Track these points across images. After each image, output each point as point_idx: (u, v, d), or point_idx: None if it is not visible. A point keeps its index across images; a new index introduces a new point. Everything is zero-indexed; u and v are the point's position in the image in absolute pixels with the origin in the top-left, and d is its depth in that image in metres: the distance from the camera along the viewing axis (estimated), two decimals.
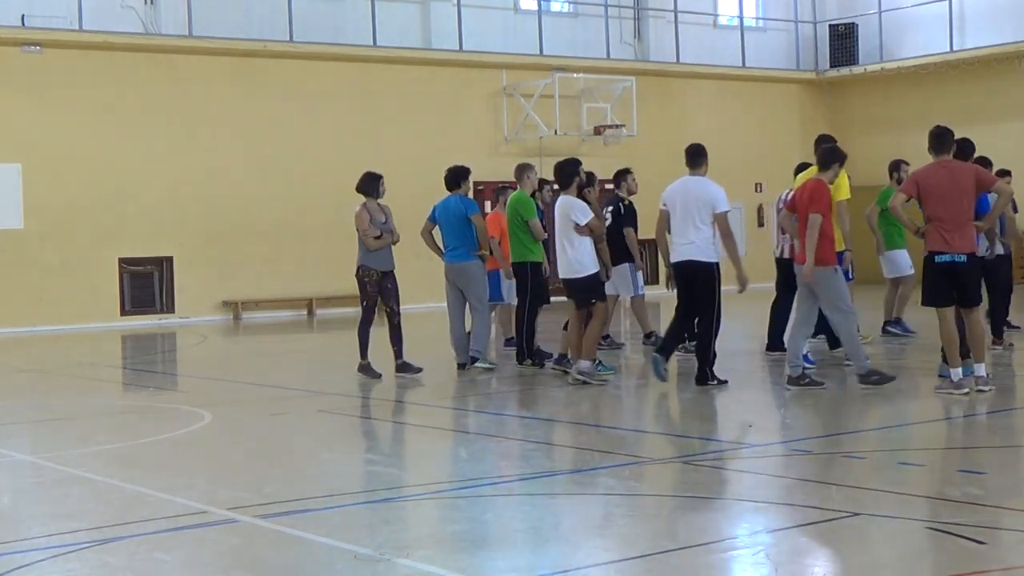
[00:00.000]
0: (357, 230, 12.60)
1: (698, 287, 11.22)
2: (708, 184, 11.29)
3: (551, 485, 7.49)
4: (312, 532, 6.27)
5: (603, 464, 8.07)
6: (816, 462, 7.97)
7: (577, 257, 11.45)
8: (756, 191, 29.27)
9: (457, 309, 13.31)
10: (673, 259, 11.38)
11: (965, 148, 11.14)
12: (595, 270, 11.59)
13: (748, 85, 29.62)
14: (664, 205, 11.49)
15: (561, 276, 11.80)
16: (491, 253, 13.54)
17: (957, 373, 10.08)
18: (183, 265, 22.91)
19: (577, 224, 11.42)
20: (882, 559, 5.59)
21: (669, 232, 11.59)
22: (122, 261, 22.43)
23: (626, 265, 14.18)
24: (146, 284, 22.81)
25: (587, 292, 11.52)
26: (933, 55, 28.10)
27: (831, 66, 30.16)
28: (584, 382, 11.40)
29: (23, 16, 21.75)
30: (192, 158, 22.87)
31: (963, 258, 9.94)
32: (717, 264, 11.26)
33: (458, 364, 13.13)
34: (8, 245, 21.43)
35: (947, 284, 10.05)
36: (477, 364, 12.95)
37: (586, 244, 11.51)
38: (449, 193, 13.31)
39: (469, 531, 6.35)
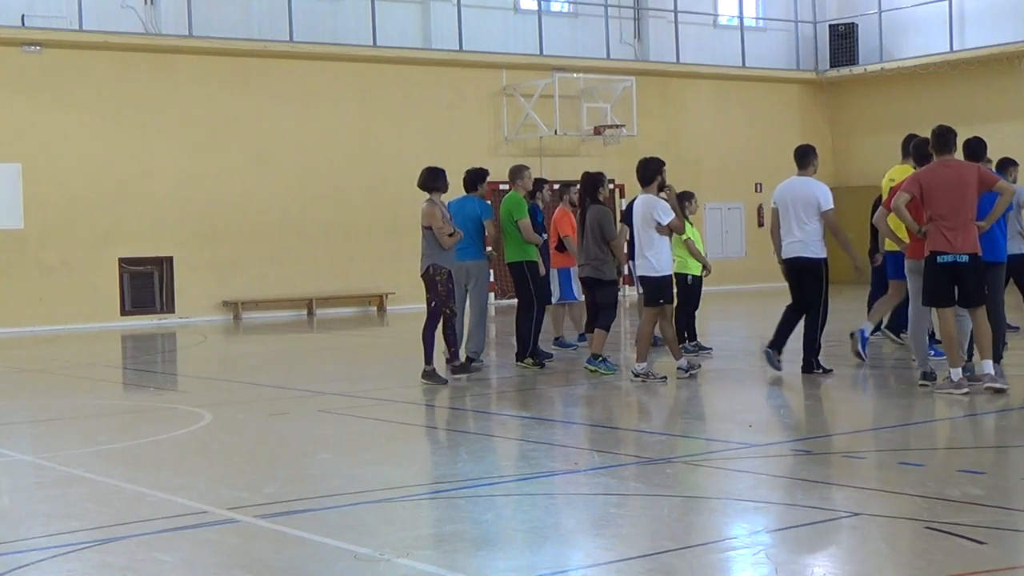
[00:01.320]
0: (426, 227, 12.13)
1: (806, 282, 11.69)
2: (813, 184, 11.87)
3: (551, 485, 7.49)
4: (312, 532, 6.27)
5: (603, 464, 8.07)
6: (816, 462, 7.97)
7: (656, 256, 11.67)
8: (756, 191, 29.28)
9: (458, 305, 13.23)
10: (783, 256, 11.79)
11: (977, 147, 11.09)
12: (670, 272, 11.86)
13: (748, 85, 29.62)
14: (774, 204, 11.94)
15: (638, 274, 12.00)
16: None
17: (957, 373, 10.08)
18: (183, 265, 22.91)
19: (659, 223, 11.59)
20: (882, 559, 5.59)
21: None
22: (122, 261, 22.44)
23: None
24: (146, 284, 22.81)
25: (658, 292, 11.73)
26: (933, 55, 28.10)
27: (831, 66, 30.16)
28: (642, 380, 11.61)
29: (23, 16, 21.75)
30: (192, 158, 22.88)
31: (965, 258, 9.94)
32: (825, 260, 11.77)
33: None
34: (8, 245, 21.44)
35: (948, 284, 10.06)
36: (476, 364, 12.97)
37: (665, 244, 11.74)
38: (466, 194, 13.27)
39: (469, 531, 6.35)
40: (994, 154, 13.11)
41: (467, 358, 12.84)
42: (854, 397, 11.01)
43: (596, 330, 12.45)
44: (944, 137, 10.18)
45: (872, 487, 7.04)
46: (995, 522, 6.09)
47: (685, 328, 14.05)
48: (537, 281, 13.19)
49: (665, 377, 11.71)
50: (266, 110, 23.58)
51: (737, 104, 29.36)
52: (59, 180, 21.76)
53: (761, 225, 29.63)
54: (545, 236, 13.73)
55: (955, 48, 27.76)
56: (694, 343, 14.08)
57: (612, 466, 8.01)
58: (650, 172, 11.83)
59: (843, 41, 29.93)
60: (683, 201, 13.97)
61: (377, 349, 17.98)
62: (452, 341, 12.42)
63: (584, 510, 6.85)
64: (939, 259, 10.02)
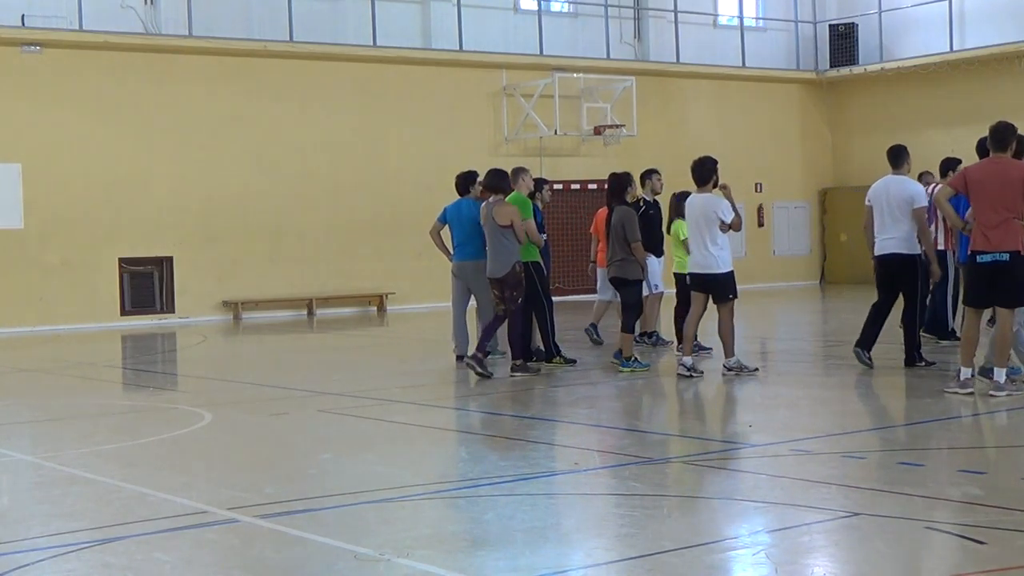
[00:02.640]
0: (505, 226, 12.35)
1: (901, 278, 11.82)
2: (907, 183, 11.98)
3: (551, 485, 7.49)
4: (312, 532, 6.28)
5: (603, 464, 8.07)
6: (816, 462, 7.97)
7: (718, 254, 11.90)
8: (756, 191, 29.28)
9: (461, 305, 13.69)
10: (876, 252, 11.92)
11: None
12: (731, 267, 12.04)
13: (748, 85, 29.62)
14: (868, 202, 12.06)
15: (694, 271, 12.13)
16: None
17: (966, 372, 10.05)
18: (183, 265, 22.91)
19: (723, 221, 11.79)
20: (882, 559, 5.59)
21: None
22: (122, 261, 22.44)
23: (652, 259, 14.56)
24: (146, 284, 22.81)
25: (726, 288, 11.95)
26: (933, 55, 28.08)
27: (831, 66, 30.15)
28: (736, 374, 11.85)
29: (23, 16, 21.75)
30: (192, 158, 22.88)
31: (1005, 256, 9.72)
32: (919, 256, 11.84)
33: (456, 356, 13.51)
34: (8, 245, 21.43)
35: (984, 284, 9.90)
36: (479, 359, 13.05)
37: (727, 241, 11.97)
38: (460, 196, 13.64)
39: (469, 531, 6.35)
40: None
41: (474, 355, 12.85)
42: (854, 397, 11.01)
43: (621, 334, 12.70)
44: (999, 134, 9.93)
45: (872, 487, 7.04)
46: (995, 522, 6.09)
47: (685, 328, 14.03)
48: (543, 281, 13.24)
49: (757, 368, 12.06)
50: (266, 110, 23.58)
51: (737, 104, 29.35)
52: (59, 180, 21.76)
53: (761, 225, 29.65)
54: (544, 236, 13.74)
55: (955, 48, 27.74)
56: (694, 343, 14.05)
57: (612, 466, 8.01)
58: (706, 172, 12.07)
59: (843, 41, 29.92)
60: (683, 201, 14.00)
61: (377, 349, 17.98)
62: (511, 339, 12.66)
63: (584, 510, 6.85)
64: (979, 259, 9.86)
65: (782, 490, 7.19)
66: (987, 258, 9.81)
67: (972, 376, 10.05)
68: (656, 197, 14.81)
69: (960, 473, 7.39)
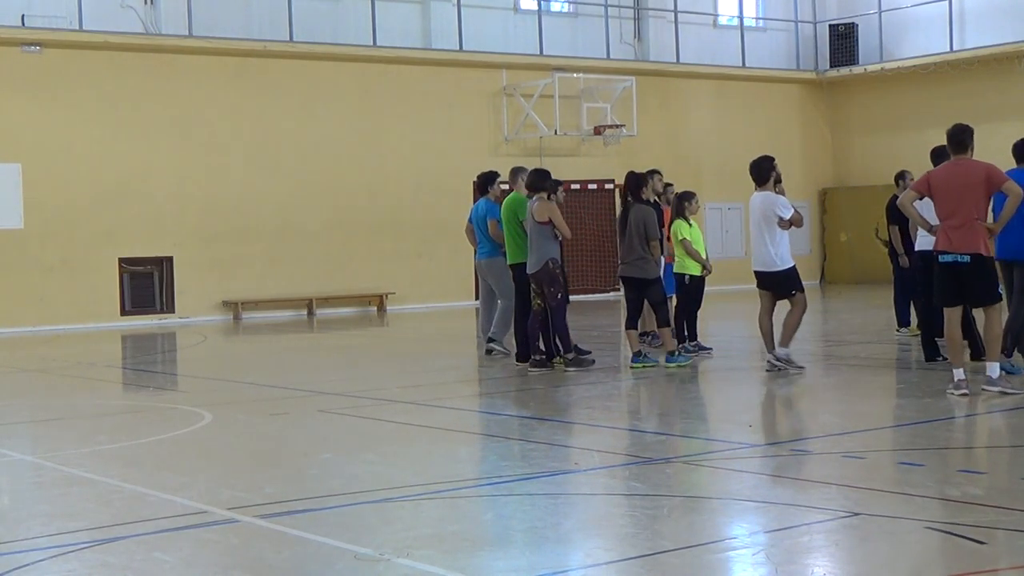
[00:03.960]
0: (544, 223, 12.60)
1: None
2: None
3: (551, 485, 7.49)
4: (312, 532, 6.27)
5: (603, 464, 8.07)
6: (816, 462, 7.97)
7: (778, 252, 11.95)
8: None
9: (488, 302, 14.33)
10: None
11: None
12: (793, 263, 12.09)
13: (748, 85, 29.61)
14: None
15: (757, 269, 12.18)
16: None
17: (958, 373, 10.06)
18: (183, 265, 22.91)
19: (781, 218, 11.84)
20: (882, 559, 5.59)
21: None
22: (122, 261, 22.44)
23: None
24: (146, 284, 22.81)
25: (788, 284, 12.02)
26: (933, 55, 28.09)
27: (831, 66, 30.15)
28: (779, 368, 11.84)
29: (23, 16, 21.75)
30: (192, 158, 22.88)
31: (966, 258, 9.89)
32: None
33: (487, 350, 14.20)
34: (8, 245, 21.43)
35: (953, 284, 10.02)
36: (492, 345, 13.83)
37: (786, 238, 12.01)
38: (481, 196, 14.19)
39: (469, 531, 6.35)
40: (995, 155, 13.12)
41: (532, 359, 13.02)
42: (854, 397, 11.01)
43: (661, 329, 12.89)
44: (956, 136, 10.06)
45: (872, 487, 7.04)
46: (995, 522, 6.09)
47: (685, 328, 14.03)
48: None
49: (803, 367, 12.05)
50: (266, 110, 23.58)
51: (737, 104, 29.35)
52: (59, 180, 21.76)
53: None
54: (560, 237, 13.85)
55: (955, 48, 27.75)
56: (694, 343, 14.07)
57: (612, 466, 8.01)
58: (764, 171, 12.16)
59: (843, 41, 29.92)
60: (683, 201, 14.06)
61: (377, 349, 17.98)
62: (536, 336, 12.91)
63: (584, 510, 6.85)
64: (941, 259, 10.05)
65: (782, 490, 7.20)
66: (948, 258, 9.97)
67: (965, 377, 10.05)
68: (656, 198, 14.81)
69: (960, 473, 7.39)
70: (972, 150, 10.12)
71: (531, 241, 12.76)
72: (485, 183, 14.30)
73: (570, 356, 12.70)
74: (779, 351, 11.96)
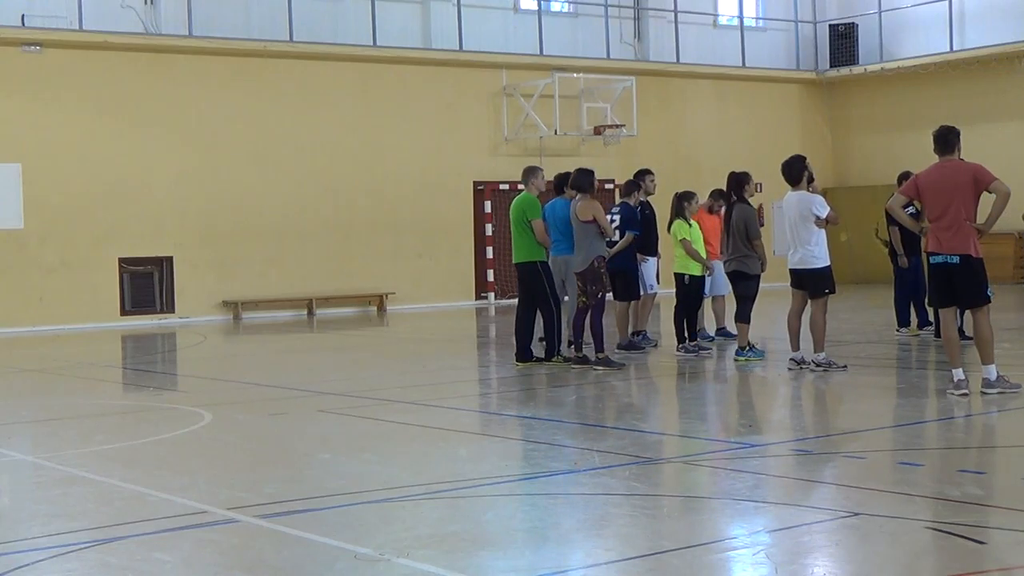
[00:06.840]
0: (588, 222, 12.68)
1: None
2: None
3: (551, 485, 7.49)
4: (312, 532, 6.28)
5: (603, 464, 8.07)
6: (816, 462, 7.98)
7: (813, 250, 12.00)
8: (756, 191, 29.22)
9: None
10: None
11: None
12: (828, 262, 12.14)
13: (748, 85, 29.60)
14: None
15: (793, 267, 12.21)
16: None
17: (958, 374, 10.06)
18: (183, 265, 22.90)
19: (817, 217, 11.88)
20: (882, 559, 5.59)
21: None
22: (122, 261, 22.42)
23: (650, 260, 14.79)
24: (146, 284, 22.79)
25: (822, 283, 12.08)
26: (933, 55, 28.08)
27: (831, 66, 30.14)
28: (824, 370, 11.87)
29: (23, 16, 21.74)
30: (192, 158, 22.87)
31: (955, 259, 9.90)
32: None
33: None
34: (8, 245, 21.43)
35: (945, 285, 10.05)
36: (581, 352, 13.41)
37: (823, 237, 12.06)
38: (556, 196, 13.79)
39: (469, 531, 6.35)
40: (994, 154, 13.14)
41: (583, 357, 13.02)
42: (854, 397, 11.01)
43: (738, 324, 13.05)
44: (942, 138, 10.11)
45: (872, 487, 7.04)
46: (995, 522, 6.09)
47: (685, 327, 14.03)
48: (551, 281, 13.25)
49: (846, 366, 12.07)
50: (266, 110, 23.57)
51: (737, 104, 29.34)
52: (59, 180, 21.75)
53: (762, 224, 29.58)
54: (635, 233, 13.96)
55: (955, 48, 27.74)
56: (694, 343, 14.08)
57: (612, 466, 8.01)
58: (796, 171, 12.17)
59: (843, 41, 29.91)
60: (683, 201, 14.08)
61: (377, 349, 17.98)
62: (580, 331, 12.96)
63: (584, 510, 6.85)
64: (932, 260, 10.09)
65: (782, 490, 7.20)
66: (938, 259, 10.00)
67: (965, 377, 10.05)
68: (649, 198, 14.85)
69: (960, 473, 7.39)
70: (959, 151, 10.15)
71: (577, 240, 12.82)
72: (562, 184, 13.79)
73: (602, 355, 12.71)
74: (817, 356, 12.00)
